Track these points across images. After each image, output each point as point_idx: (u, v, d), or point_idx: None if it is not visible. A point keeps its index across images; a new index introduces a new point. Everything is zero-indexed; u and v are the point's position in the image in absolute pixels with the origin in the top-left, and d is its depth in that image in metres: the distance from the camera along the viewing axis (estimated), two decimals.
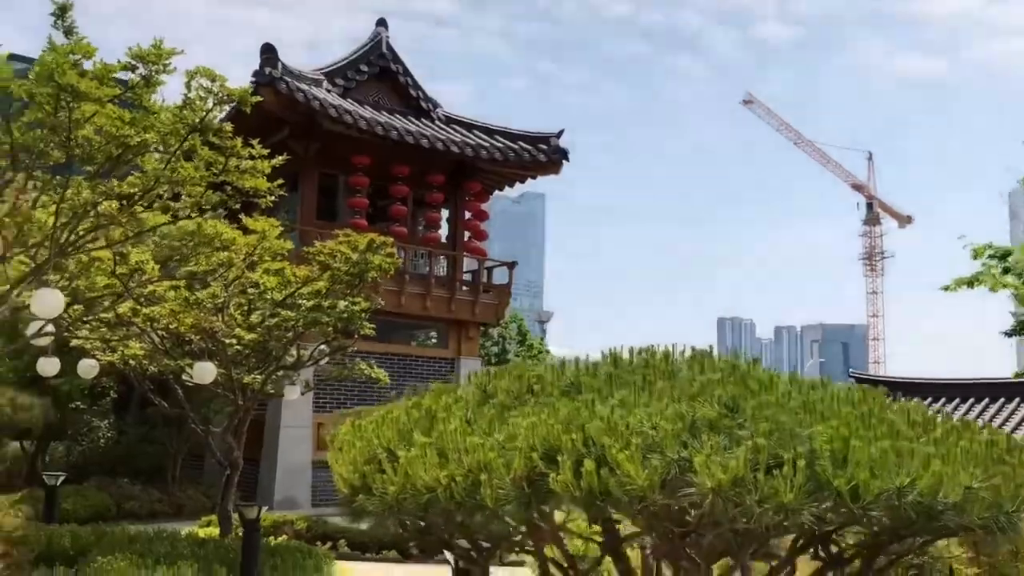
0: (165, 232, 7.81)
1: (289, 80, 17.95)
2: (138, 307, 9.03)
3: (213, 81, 6.74)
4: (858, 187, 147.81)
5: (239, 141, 6.95)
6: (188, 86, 6.78)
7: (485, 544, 4.12)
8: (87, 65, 6.50)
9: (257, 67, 17.88)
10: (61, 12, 6.47)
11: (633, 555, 4.52)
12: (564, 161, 22.21)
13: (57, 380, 15.97)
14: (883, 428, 3.62)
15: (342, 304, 9.97)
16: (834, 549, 4.25)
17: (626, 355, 4.57)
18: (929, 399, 17.23)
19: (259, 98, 7.34)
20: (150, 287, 8.82)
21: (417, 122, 21.59)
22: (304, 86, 18.45)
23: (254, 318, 9.39)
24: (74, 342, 9.78)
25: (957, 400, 17.64)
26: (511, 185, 23.43)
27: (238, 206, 7.46)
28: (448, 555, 5.28)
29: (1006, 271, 20.42)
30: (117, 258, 8.54)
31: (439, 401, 3.99)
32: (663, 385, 3.86)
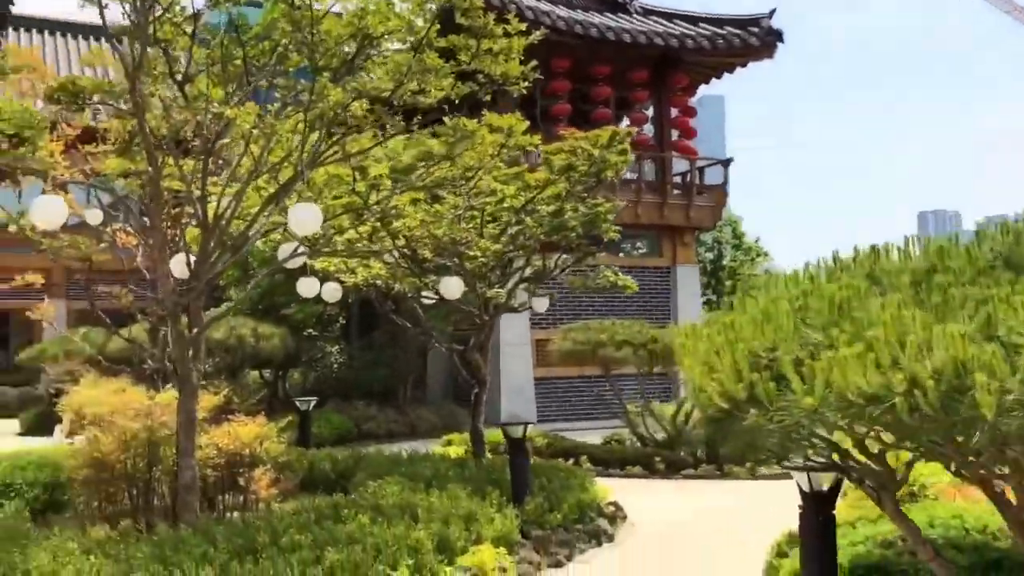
0: (414, 142, 7.17)
1: None
2: (378, 224, 8.57)
3: None
4: None
5: (491, 18, 6.14)
6: None
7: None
8: None
9: None
10: None
11: None
12: (778, 43, 20.17)
13: (290, 310, 16.37)
14: None
15: (583, 208, 9.13)
16: None
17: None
18: None
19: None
20: (393, 200, 8.32)
21: (614, 17, 20.20)
22: None
23: (490, 229, 8.71)
24: (319, 265, 9.54)
25: None
26: (719, 77, 21.60)
27: (489, 96, 6.69)
28: (799, 475, 4.36)
29: None
30: (356, 173, 8.07)
31: (845, 287, 3.03)
32: None
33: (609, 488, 9.59)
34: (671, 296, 20.63)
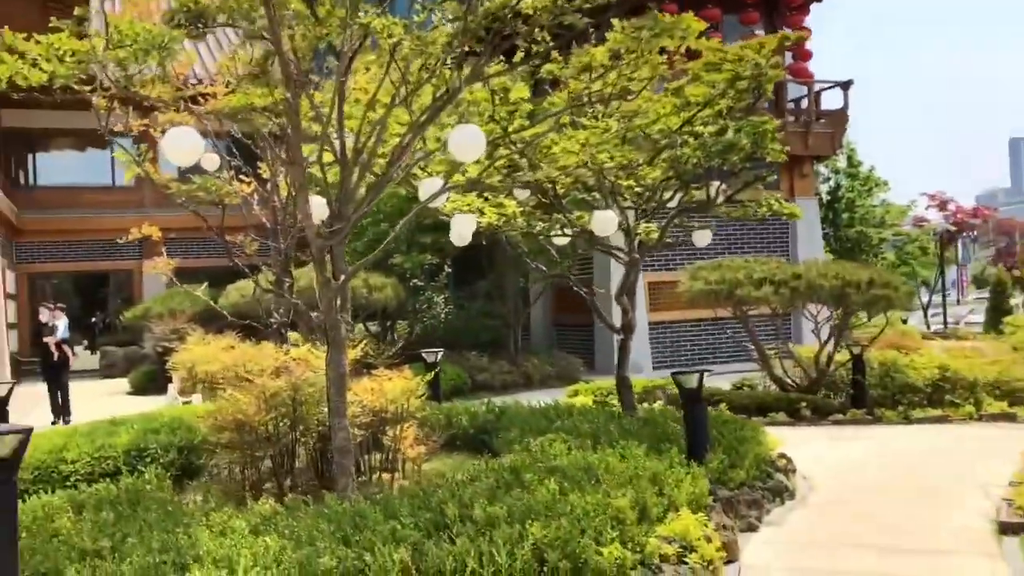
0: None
1: None
2: (517, 157, 7.67)
3: None
4: None
5: None
6: None
7: None
8: None
9: None
10: None
11: None
12: None
13: (396, 259, 15.71)
14: None
15: (748, 126, 8.06)
16: None
17: None
18: None
19: None
20: (536, 128, 7.40)
21: None
22: None
23: (632, 154, 7.65)
24: (447, 207, 8.70)
25: None
26: None
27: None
28: None
29: None
30: (495, 97, 7.17)
31: None
32: None
33: (779, 439, 8.67)
34: (790, 231, 19.33)
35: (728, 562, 5.61)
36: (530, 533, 4.54)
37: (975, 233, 28.20)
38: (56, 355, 14.45)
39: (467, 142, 5.46)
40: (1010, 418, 11.26)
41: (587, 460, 6.28)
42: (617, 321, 9.19)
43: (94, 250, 24.82)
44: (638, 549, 5.05)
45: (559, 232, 9.17)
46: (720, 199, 8.22)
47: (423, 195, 7.12)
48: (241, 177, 9.40)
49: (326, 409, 7.12)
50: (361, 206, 6.13)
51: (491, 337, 17.23)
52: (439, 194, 6.53)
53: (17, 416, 11.28)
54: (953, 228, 25.93)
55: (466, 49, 5.91)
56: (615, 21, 6.26)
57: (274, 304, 9.55)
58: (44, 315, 14.96)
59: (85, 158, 25.27)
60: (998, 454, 8.82)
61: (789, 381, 13.18)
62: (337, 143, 6.15)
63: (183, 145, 5.52)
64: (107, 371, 22.29)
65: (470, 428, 9.31)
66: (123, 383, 19.92)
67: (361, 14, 5.52)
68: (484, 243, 12.28)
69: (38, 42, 5.86)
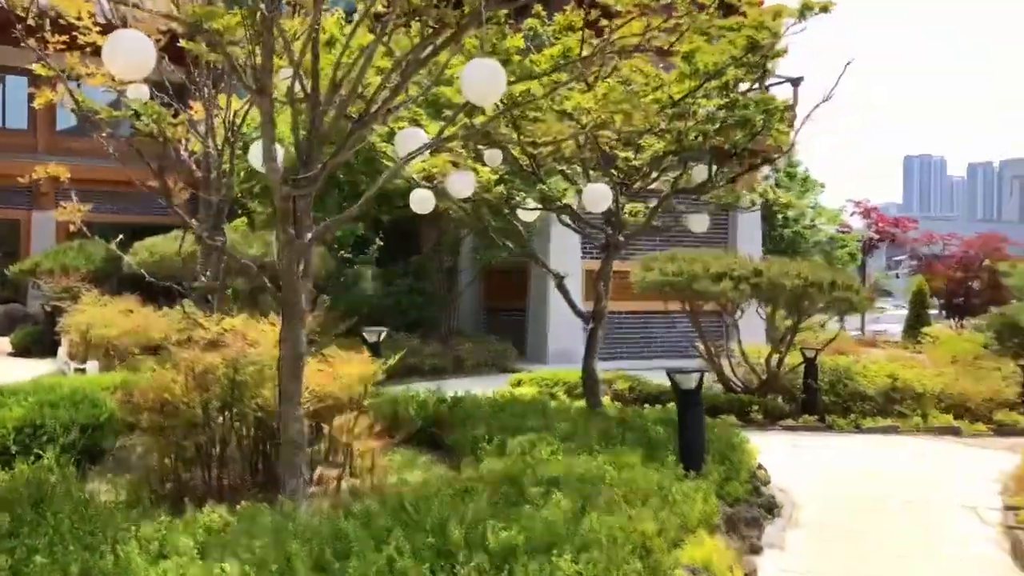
0: None
1: None
2: (509, 114, 6.69)
3: None
4: None
5: None
6: None
7: None
8: None
9: None
10: None
11: None
12: None
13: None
14: None
15: (754, 103, 7.31)
16: None
17: None
18: None
19: None
20: (526, 85, 6.44)
21: None
22: None
23: (652, 118, 6.78)
24: (414, 169, 7.65)
25: None
26: None
27: None
28: None
29: None
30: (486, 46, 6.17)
31: None
32: None
33: (757, 447, 8.00)
34: (730, 226, 18.90)
35: None
36: (559, 569, 3.62)
37: (895, 242, 28.65)
38: None
39: (485, 80, 4.43)
40: (955, 432, 11.07)
41: (587, 469, 5.39)
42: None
43: None
44: None
45: (531, 207, 8.25)
46: (722, 181, 7.42)
47: (401, 147, 6.06)
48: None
49: (266, 392, 6.04)
50: (339, 152, 5.05)
51: (419, 317, 16.15)
52: (435, 144, 5.50)
53: None
54: (875, 236, 26.31)
55: None
56: None
57: (200, 265, 8.30)
58: None
59: None
60: (965, 470, 8.64)
61: (736, 382, 12.64)
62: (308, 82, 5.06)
63: (131, 52, 4.25)
64: None
65: (419, 420, 8.30)
66: (3, 342, 17.97)
67: None
68: (414, 216, 11.27)
69: None
